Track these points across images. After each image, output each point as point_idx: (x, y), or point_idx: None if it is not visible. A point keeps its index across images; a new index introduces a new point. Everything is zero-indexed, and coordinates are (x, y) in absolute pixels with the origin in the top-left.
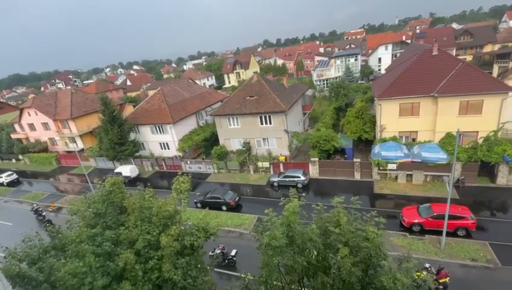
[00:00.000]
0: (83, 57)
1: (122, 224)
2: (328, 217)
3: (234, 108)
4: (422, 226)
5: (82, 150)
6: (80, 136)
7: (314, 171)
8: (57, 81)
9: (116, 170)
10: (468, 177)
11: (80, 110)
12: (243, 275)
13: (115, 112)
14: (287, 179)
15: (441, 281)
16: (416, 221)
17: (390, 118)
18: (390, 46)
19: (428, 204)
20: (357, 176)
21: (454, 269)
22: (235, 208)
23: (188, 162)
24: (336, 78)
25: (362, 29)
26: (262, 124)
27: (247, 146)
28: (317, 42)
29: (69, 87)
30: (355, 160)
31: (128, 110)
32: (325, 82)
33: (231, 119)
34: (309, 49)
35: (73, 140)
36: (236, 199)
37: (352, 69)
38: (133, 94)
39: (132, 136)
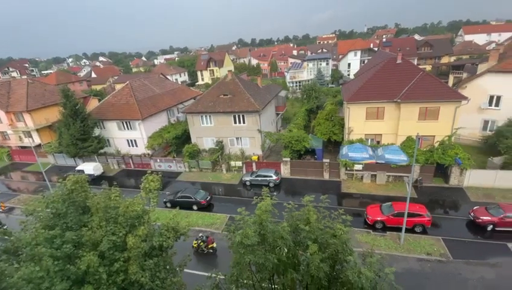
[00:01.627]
0: (42, 45)
1: (85, 225)
2: (299, 215)
3: (208, 106)
4: (385, 224)
5: (39, 145)
6: (37, 130)
7: (286, 170)
8: (11, 69)
9: (78, 168)
10: (425, 178)
11: (38, 103)
12: (213, 275)
13: (78, 106)
14: (260, 179)
15: (209, 246)
16: (379, 219)
17: (357, 121)
18: (359, 53)
19: (390, 203)
20: (326, 176)
21: (411, 263)
22: (207, 207)
23: (158, 160)
24: (308, 80)
25: (334, 35)
26: (235, 123)
27: (220, 145)
28: (291, 44)
29: (24, 76)
30: (324, 160)
31: (93, 104)
32: (298, 84)
33: (204, 117)
34: (283, 51)
35: (28, 134)
36: (207, 198)
37: (323, 73)
38: (98, 87)
39: (97, 131)
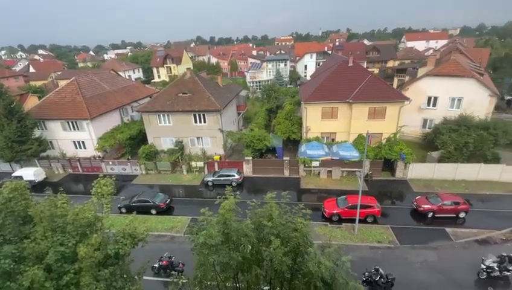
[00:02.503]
0: None
1: (27, 236)
2: (262, 212)
3: (165, 104)
4: (340, 216)
5: None
6: None
7: (248, 169)
8: None
9: (15, 173)
10: (374, 172)
11: None
12: (175, 279)
13: (13, 104)
14: (222, 178)
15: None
16: (335, 211)
17: (314, 120)
18: (314, 55)
19: (344, 196)
20: (286, 173)
21: (364, 251)
22: (166, 210)
23: (110, 163)
24: (268, 81)
25: (291, 37)
26: (196, 122)
27: (180, 145)
28: (251, 44)
29: None
30: (284, 158)
31: (32, 101)
32: (258, 84)
33: (162, 116)
34: (243, 51)
35: None
36: (167, 201)
37: (282, 74)
38: (38, 83)
39: (37, 133)
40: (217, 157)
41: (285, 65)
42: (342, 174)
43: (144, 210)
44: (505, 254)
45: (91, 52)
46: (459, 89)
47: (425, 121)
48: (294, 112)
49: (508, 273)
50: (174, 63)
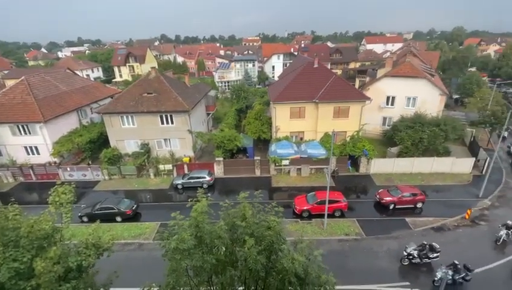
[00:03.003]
0: None
1: None
2: (235, 212)
3: (129, 105)
4: (310, 212)
5: None
6: None
7: (219, 170)
8: None
9: None
10: (340, 168)
11: None
12: (145, 288)
13: None
14: (192, 181)
15: None
16: (305, 208)
17: (283, 119)
18: (281, 56)
19: (313, 193)
20: (258, 173)
21: (333, 244)
22: (133, 217)
23: (68, 169)
24: (237, 81)
25: (258, 38)
26: (163, 123)
27: (146, 148)
28: (218, 44)
29: None
30: (255, 158)
31: None
32: (227, 84)
33: (125, 117)
34: (210, 50)
35: None
36: (133, 207)
37: (250, 74)
38: None
39: None
40: (186, 159)
41: (254, 65)
42: (311, 171)
43: (108, 218)
44: (425, 243)
45: (43, 50)
46: (413, 89)
47: (384, 119)
48: (264, 111)
49: (429, 260)
50: (137, 61)
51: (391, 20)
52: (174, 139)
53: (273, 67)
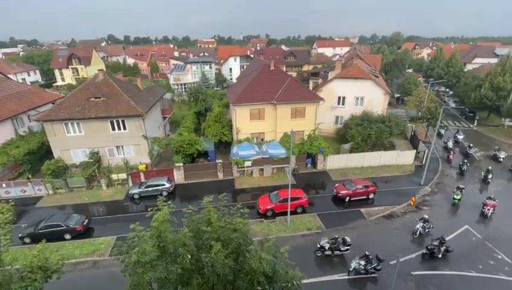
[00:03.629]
0: None
1: None
2: (199, 217)
3: (74, 111)
4: (274, 211)
5: None
6: None
7: (179, 176)
8: None
9: None
10: (300, 166)
11: None
12: None
13: None
14: (151, 189)
15: None
16: (269, 207)
17: (243, 121)
18: (238, 59)
19: (276, 191)
20: (221, 176)
21: (297, 240)
22: (84, 233)
23: (4, 185)
24: (193, 83)
25: (213, 40)
26: (114, 129)
27: (96, 157)
28: (171, 45)
29: None
30: (217, 161)
31: None
32: (183, 86)
33: (70, 125)
34: (163, 52)
35: None
36: (84, 223)
37: (208, 76)
38: None
39: None
40: (142, 167)
41: (211, 68)
42: (273, 171)
43: (56, 236)
44: (337, 236)
45: None
46: (361, 89)
47: (337, 118)
48: (224, 114)
49: (340, 253)
50: (81, 63)
51: (339, 26)
52: (128, 146)
53: (231, 69)
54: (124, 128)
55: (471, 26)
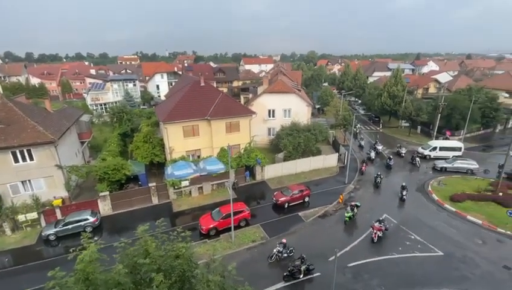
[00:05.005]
0: None
1: None
2: (135, 250)
3: None
4: (217, 229)
5: None
6: None
7: (106, 207)
8: None
9: None
10: (239, 179)
11: None
12: None
13: None
14: (70, 226)
15: None
16: (211, 225)
17: (176, 139)
18: (165, 75)
19: (218, 208)
20: (155, 200)
21: (243, 255)
22: None
23: None
24: (116, 102)
25: (136, 56)
26: (17, 162)
27: None
28: (87, 63)
29: None
30: (150, 185)
31: None
32: (104, 106)
33: None
34: (77, 70)
35: None
36: None
37: (132, 94)
38: None
39: None
40: (57, 202)
41: (135, 85)
42: (212, 187)
43: None
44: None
45: None
46: (287, 102)
47: (269, 129)
48: (154, 133)
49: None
50: None
51: (262, 44)
52: (38, 179)
53: (158, 86)
54: (31, 158)
55: (368, 46)
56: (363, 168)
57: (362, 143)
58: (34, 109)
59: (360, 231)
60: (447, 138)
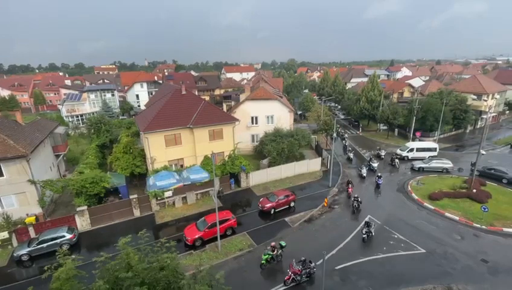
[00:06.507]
0: None
1: None
2: (116, 264)
3: None
4: (203, 239)
5: None
6: None
7: (84, 222)
8: None
9: None
10: (224, 187)
11: None
12: None
13: None
14: (45, 245)
15: None
16: (197, 236)
17: (158, 149)
18: (145, 84)
19: (203, 218)
20: (137, 213)
21: (231, 264)
22: None
23: None
24: (93, 113)
25: (114, 66)
26: None
27: None
28: (61, 73)
29: None
30: (131, 197)
31: None
32: (80, 118)
33: None
34: (51, 80)
35: None
36: None
37: (110, 105)
38: None
39: None
40: (31, 219)
41: (113, 95)
42: (197, 197)
43: None
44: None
45: None
46: (269, 109)
47: (253, 136)
48: (134, 143)
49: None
50: None
51: (243, 53)
52: (8, 196)
53: (138, 96)
54: (1, 174)
55: (345, 54)
56: (350, 189)
57: (347, 145)
58: (3, 122)
59: (347, 233)
60: (418, 139)
